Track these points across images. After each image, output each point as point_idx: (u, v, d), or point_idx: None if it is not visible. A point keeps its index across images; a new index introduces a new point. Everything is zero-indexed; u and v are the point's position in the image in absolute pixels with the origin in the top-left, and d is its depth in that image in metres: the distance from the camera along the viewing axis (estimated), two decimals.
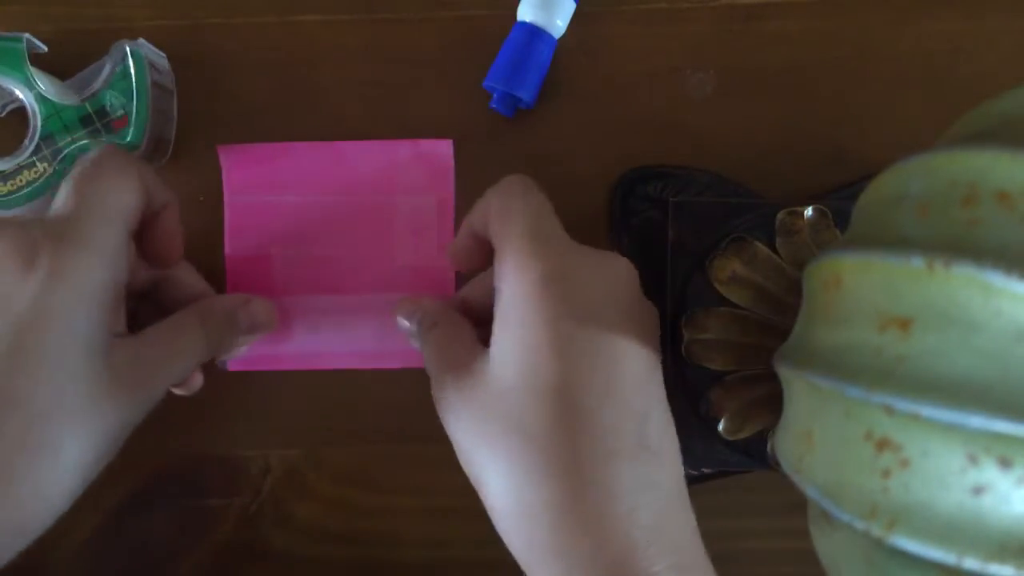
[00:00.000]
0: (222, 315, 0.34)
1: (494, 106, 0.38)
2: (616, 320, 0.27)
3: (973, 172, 0.21)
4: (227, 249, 0.38)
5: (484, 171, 0.38)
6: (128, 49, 0.35)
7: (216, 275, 0.38)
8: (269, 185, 0.38)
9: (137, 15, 0.38)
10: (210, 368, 0.38)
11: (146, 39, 0.37)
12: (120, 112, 0.36)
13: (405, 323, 0.34)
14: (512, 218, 0.29)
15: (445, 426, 0.29)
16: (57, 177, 0.36)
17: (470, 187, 0.38)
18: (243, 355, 0.38)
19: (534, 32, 0.37)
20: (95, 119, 0.36)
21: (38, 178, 0.35)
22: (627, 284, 0.29)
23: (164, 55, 0.38)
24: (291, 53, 0.39)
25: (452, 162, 0.38)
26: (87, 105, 0.36)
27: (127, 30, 0.38)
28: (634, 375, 0.27)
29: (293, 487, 0.39)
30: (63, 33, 0.38)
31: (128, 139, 0.36)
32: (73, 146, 0.35)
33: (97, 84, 0.36)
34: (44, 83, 0.35)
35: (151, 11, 0.38)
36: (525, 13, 0.37)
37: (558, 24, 0.37)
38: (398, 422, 0.39)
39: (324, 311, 0.38)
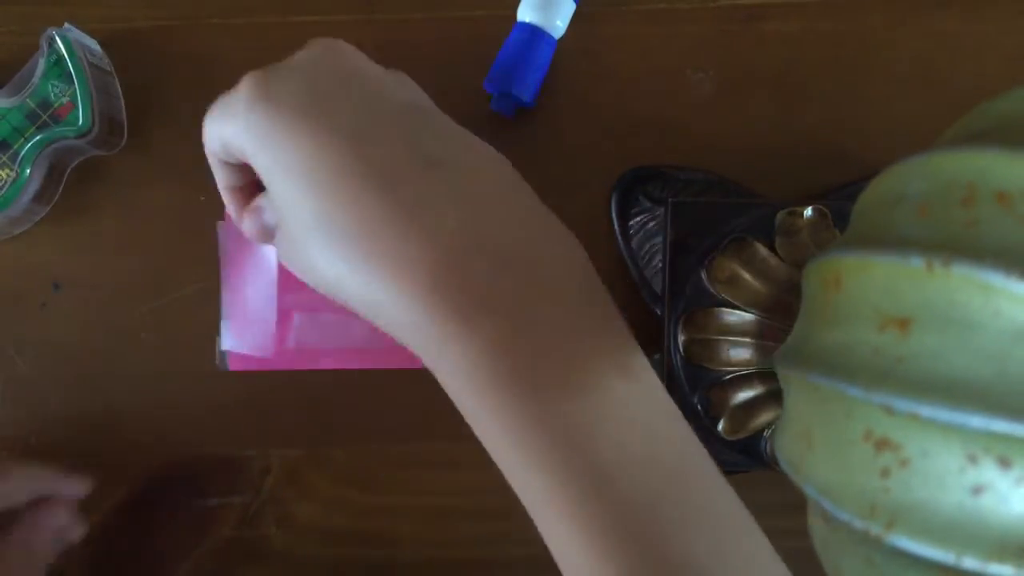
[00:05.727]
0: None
1: (494, 106, 0.38)
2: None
3: (972, 172, 0.21)
4: (227, 248, 0.38)
5: None
6: (56, 34, 0.35)
7: (215, 274, 0.38)
8: None
9: (137, 15, 0.38)
10: (210, 368, 0.38)
11: (146, 39, 0.37)
12: (63, 99, 0.35)
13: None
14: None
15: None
16: (22, 181, 0.35)
17: None
18: (243, 355, 0.38)
19: (534, 32, 0.37)
20: (40, 112, 0.35)
21: (4, 185, 0.36)
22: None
23: (95, 40, 0.37)
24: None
25: None
26: (29, 101, 0.35)
27: (126, 30, 0.38)
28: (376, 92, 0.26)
29: (293, 487, 0.39)
30: None
31: (79, 123, 0.35)
32: (27, 145, 0.35)
33: (35, 78, 0.35)
34: None
35: (151, 11, 0.38)
36: (525, 13, 0.37)
37: (558, 24, 0.37)
38: (398, 422, 0.38)
39: (324, 310, 0.38)
